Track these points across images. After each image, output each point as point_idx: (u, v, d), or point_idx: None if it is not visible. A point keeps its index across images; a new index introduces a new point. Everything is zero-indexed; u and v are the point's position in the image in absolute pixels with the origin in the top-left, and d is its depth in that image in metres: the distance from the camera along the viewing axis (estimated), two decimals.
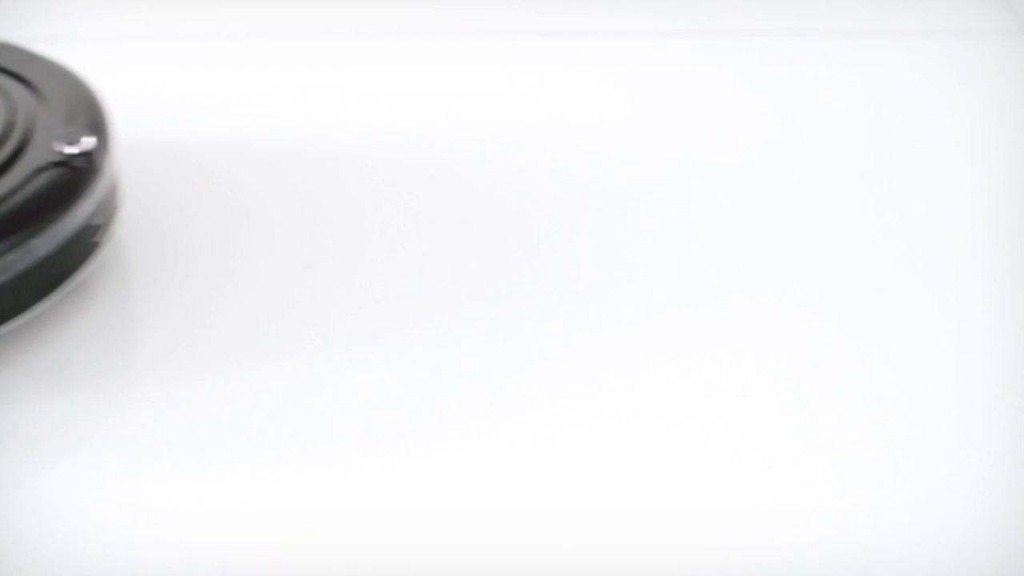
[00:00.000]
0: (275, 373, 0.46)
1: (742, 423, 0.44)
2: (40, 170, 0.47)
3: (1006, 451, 0.43)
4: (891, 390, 0.45)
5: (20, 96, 0.50)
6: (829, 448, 0.43)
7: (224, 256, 0.51)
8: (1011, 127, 0.58)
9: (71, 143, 0.47)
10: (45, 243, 0.46)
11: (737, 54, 0.64)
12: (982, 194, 0.55)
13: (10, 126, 0.48)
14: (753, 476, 0.43)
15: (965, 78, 0.62)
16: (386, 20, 0.66)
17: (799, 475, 0.43)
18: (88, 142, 0.47)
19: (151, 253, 0.51)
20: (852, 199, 0.54)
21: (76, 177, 0.47)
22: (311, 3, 0.67)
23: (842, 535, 0.41)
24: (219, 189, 0.55)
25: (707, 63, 0.64)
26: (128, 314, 0.49)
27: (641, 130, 0.59)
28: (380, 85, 0.62)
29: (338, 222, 0.53)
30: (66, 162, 0.47)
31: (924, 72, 0.62)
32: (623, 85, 0.62)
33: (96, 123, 0.49)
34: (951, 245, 0.52)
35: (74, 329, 0.48)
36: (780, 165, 0.56)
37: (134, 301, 0.50)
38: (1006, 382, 0.46)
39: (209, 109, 0.60)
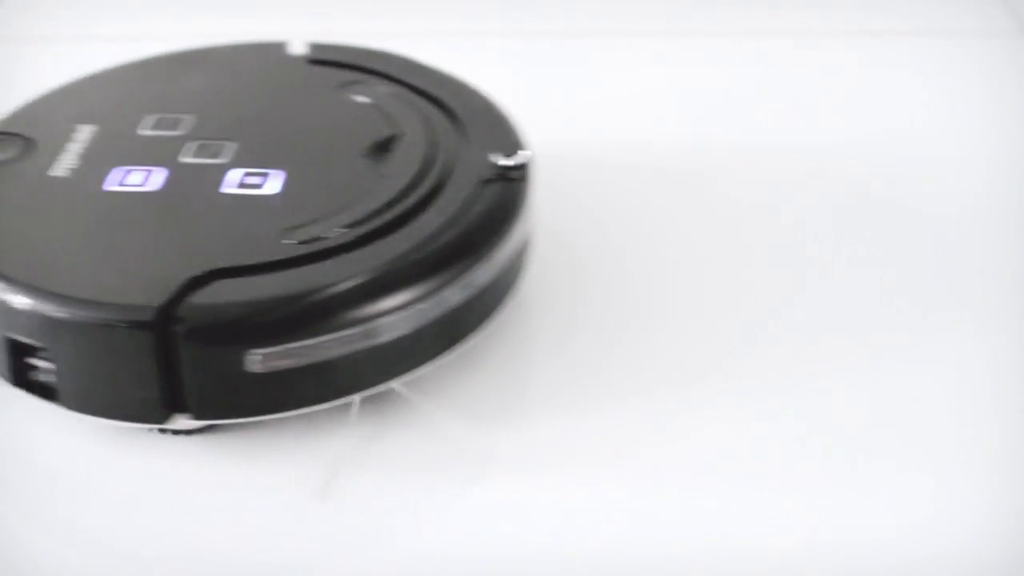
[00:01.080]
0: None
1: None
2: (487, 182, 0.45)
3: (1006, 451, 0.43)
4: (891, 390, 0.46)
5: (432, 112, 0.49)
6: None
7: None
8: (1011, 127, 0.58)
9: (509, 155, 0.46)
10: (501, 257, 0.44)
11: (735, 54, 0.64)
12: (982, 194, 0.55)
13: (435, 141, 0.47)
14: (754, 481, 0.43)
15: (965, 78, 0.62)
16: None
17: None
18: (525, 154, 0.46)
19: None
20: (850, 198, 0.54)
21: (517, 190, 0.46)
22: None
23: (842, 537, 0.41)
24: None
25: (703, 63, 0.64)
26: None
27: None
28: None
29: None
30: (503, 175, 0.46)
31: (924, 72, 0.63)
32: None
33: (515, 135, 0.48)
34: (951, 245, 0.52)
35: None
36: (778, 164, 0.56)
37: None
38: (1007, 381, 0.46)
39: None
